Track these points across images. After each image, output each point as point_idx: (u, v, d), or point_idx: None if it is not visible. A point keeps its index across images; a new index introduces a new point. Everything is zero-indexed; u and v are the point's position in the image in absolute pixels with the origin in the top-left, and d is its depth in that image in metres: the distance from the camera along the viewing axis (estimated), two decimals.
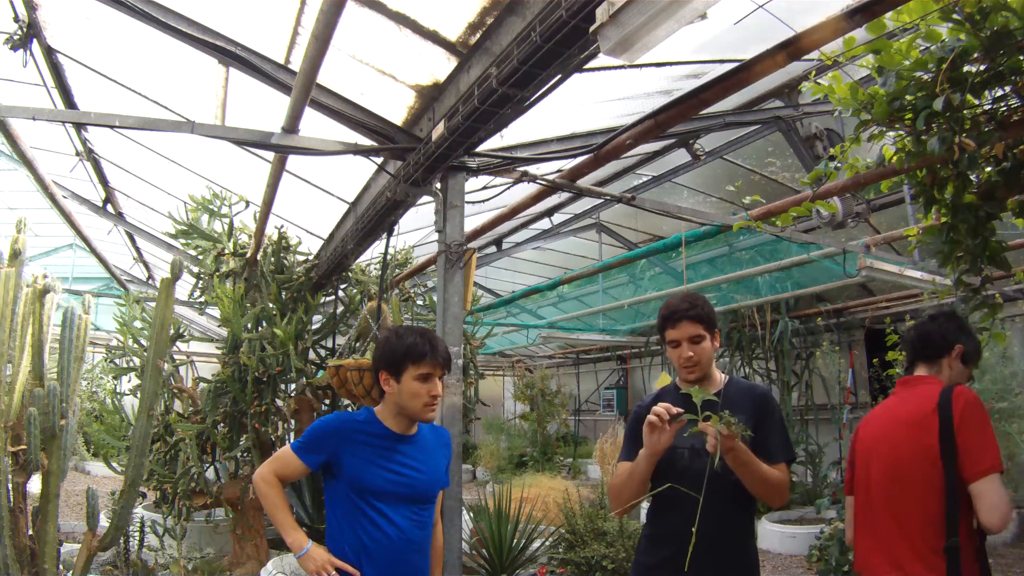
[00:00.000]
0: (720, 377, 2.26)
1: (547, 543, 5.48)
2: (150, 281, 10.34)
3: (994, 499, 1.99)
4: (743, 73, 2.64)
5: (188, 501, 5.35)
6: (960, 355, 2.36)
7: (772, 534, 7.10)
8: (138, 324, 5.67)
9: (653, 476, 2.11)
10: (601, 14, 1.89)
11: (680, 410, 1.96)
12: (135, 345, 5.67)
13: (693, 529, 1.88)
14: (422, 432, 2.28)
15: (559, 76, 2.44)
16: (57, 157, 5.45)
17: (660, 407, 1.98)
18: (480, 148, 3.27)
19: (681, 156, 5.18)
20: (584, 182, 4.08)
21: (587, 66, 2.54)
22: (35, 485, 3.75)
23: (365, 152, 3.45)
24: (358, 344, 5.38)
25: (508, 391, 18.03)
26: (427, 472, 2.23)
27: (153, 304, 4.98)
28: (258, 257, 5.60)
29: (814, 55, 2.59)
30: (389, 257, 4.89)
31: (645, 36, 1.86)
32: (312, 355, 5.95)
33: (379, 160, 3.91)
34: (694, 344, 2.15)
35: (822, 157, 3.99)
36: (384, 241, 4.34)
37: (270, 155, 3.70)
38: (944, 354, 2.37)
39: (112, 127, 3.44)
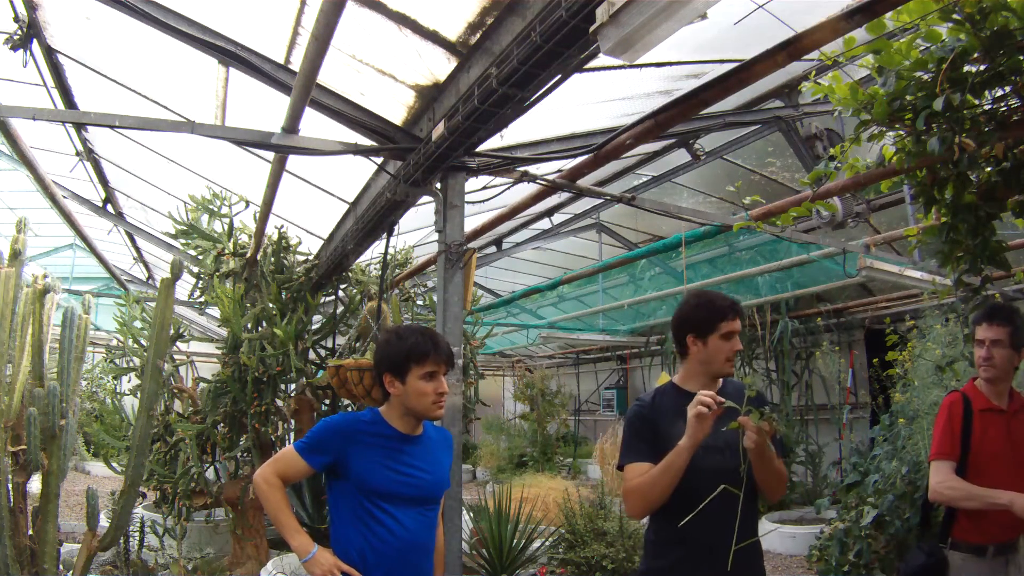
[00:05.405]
0: None
1: (547, 543, 5.48)
2: (150, 281, 10.34)
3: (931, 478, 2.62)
4: (743, 73, 2.63)
5: (188, 501, 5.35)
6: None
7: (772, 534, 7.08)
8: (138, 324, 5.66)
9: None
10: (601, 14, 1.89)
11: (723, 400, 1.97)
12: (135, 345, 5.67)
13: (735, 527, 1.96)
14: (427, 432, 2.27)
15: (559, 76, 2.44)
16: (57, 157, 5.45)
17: (705, 395, 1.96)
18: (480, 148, 3.27)
19: (681, 156, 5.17)
20: (584, 182, 4.07)
21: (587, 66, 2.54)
22: (35, 485, 3.76)
23: (365, 152, 3.45)
24: (358, 344, 5.38)
25: (508, 391, 18.00)
26: (433, 473, 2.22)
27: (153, 304, 4.98)
28: (258, 257, 5.59)
29: (814, 55, 2.59)
30: (389, 257, 4.89)
31: (645, 36, 1.86)
32: (312, 355, 5.95)
33: (379, 160, 3.90)
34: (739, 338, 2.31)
35: (822, 157, 3.99)
36: (384, 241, 4.34)
37: (270, 155, 3.70)
38: None
39: (112, 127, 3.44)
